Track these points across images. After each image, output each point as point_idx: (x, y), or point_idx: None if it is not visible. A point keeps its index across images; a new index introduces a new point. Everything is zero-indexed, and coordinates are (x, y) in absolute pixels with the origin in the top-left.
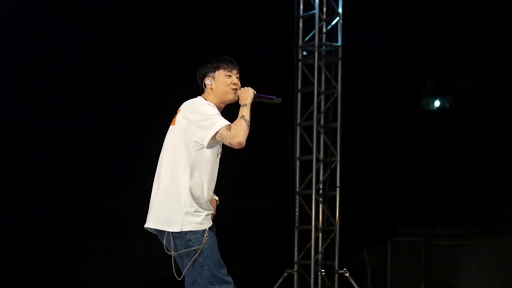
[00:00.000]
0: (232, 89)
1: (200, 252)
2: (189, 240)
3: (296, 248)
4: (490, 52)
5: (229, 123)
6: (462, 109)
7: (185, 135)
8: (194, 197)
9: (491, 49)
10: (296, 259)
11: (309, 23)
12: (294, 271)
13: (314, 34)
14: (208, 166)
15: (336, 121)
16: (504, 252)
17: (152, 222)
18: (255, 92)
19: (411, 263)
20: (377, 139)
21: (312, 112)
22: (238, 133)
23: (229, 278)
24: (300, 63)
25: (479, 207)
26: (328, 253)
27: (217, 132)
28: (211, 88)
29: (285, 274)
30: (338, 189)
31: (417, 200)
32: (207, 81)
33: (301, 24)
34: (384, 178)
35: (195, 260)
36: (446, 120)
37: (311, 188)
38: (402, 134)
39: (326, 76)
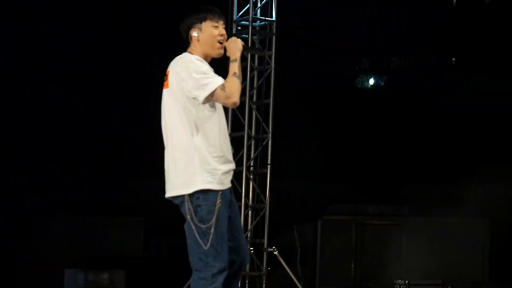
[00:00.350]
0: (219, 41)
1: (206, 221)
2: (199, 205)
3: None
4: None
5: (223, 81)
6: (397, 87)
7: (181, 95)
8: (208, 154)
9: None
10: None
11: None
12: None
13: (248, 9)
14: (214, 119)
15: (268, 97)
16: (434, 231)
17: (170, 190)
18: (243, 44)
19: (341, 242)
20: (310, 116)
21: (244, 88)
22: (233, 93)
23: (225, 257)
24: None
25: (410, 187)
26: (258, 231)
27: (212, 92)
28: (198, 40)
29: None
30: (269, 167)
31: (348, 178)
32: (194, 32)
33: None
34: (315, 156)
35: (198, 227)
36: (380, 98)
37: (242, 165)
38: (335, 111)
39: None
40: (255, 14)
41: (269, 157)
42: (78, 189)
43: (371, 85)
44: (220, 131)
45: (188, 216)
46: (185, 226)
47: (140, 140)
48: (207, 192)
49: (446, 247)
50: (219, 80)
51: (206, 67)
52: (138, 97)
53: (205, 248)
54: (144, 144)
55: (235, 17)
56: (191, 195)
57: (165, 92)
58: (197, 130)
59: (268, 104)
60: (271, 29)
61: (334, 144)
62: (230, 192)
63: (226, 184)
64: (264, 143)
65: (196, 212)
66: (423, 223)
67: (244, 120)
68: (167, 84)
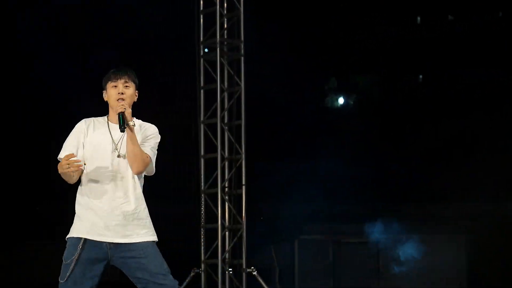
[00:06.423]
0: (118, 99)
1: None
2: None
3: (202, 247)
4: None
5: (60, 157)
6: (365, 105)
7: None
8: (78, 201)
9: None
10: (203, 258)
11: (210, 19)
12: (201, 271)
13: (215, 30)
14: (88, 168)
15: (240, 118)
16: (411, 248)
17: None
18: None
19: (319, 261)
20: (282, 135)
21: (215, 109)
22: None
23: None
24: (202, 60)
25: (385, 205)
26: (236, 251)
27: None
28: (107, 102)
29: (192, 274)
30: (244, 187)
31: (323, 197)
32: (104, 95)
33: (201, 20)
34: (289, 175)
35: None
36: (350, 117)
37: (217, 187)
38: (307, 130)
39: (229, 73)
40: (222, 36)
41: (243, 178)
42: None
43: (341, 105)
44: (89, 181)
45: None
46: None
47: None
48: None
49: (424, 264)
50: (61, 154)
51: (68, 141)
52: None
53: None
54: None
55: (202, 38)
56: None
57: None
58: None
59: (240, 125)
60: (239, 50)
61: (306, 163)
62: (88, 243)
63: (81, 233)
64: (238, 164)
65: None
66: (395, 240)
67: (217, 141)
68: None
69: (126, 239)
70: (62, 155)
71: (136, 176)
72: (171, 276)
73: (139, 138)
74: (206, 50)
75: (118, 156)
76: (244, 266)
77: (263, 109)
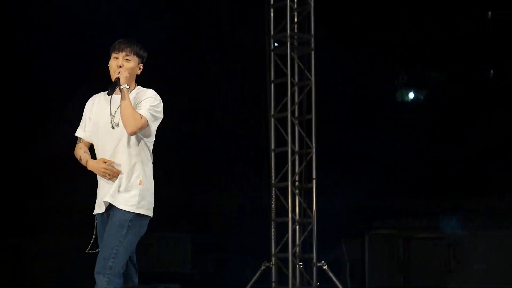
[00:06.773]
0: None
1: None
2: None
3: (273, 241)
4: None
5: (77, 134)
6: (436, 101)
7: None
8: None
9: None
10: (273, 252)
11: (280, 12)
12: (272, 264)
13: (285, 24)
14: (94, 143)
15: (310, 112)
16: (482, 244)
17: None
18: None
19: (389, 256)
20: (352, 130)
21: (286, 103)
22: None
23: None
24: (272, 54)
25: (456, 201)
26: (306, 245)
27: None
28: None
29: (262, 267)
30: (314, 181)
31: (394, 192)
32: (109, 63)
33: (272, 14)
34: (359, 170)
35: None
36: (421, 112)
37: (287, 180)
38: (377, 125)
39: (299, 67)
40: (293, 30)
41: (313, 172)
42: None
43: (411, 99)
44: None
45: None
46: None
47: None
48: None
49: (496, 261)
50: (77, 133)
51: (83, 116)
52: None
53: None
54: None
55: (272, 32)
56: None
57: None
58: None
59: (311, 119)
60: (309, 44)
61: (377, 157)
62: (100, 217)
63: (96, 210)
64: (308, 158)
65: None
66: (470, 236)
67: (287, 135)
68: None
69: (109, 200)
70: (77, 133)
71: (131, 145)
72: (107, 265)
73: (133, 102)
74: (276, 44)
75: (112, 127)
76: (314, 260)
77: (334, 103)
